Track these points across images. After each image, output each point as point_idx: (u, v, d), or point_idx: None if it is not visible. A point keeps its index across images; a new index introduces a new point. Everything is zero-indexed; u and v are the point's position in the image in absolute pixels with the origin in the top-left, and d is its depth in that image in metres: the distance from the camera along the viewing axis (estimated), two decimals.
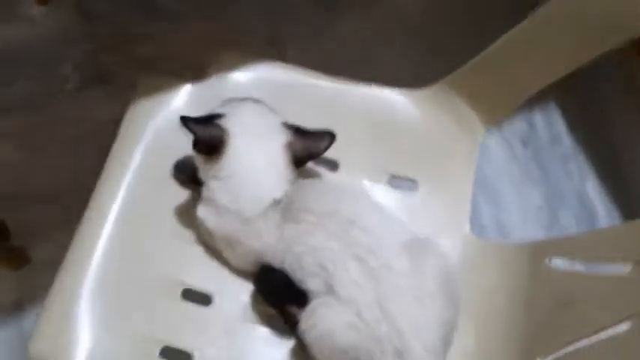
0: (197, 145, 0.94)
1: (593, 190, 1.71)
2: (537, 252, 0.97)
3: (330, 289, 0.90)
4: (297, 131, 0.96)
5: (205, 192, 0.97)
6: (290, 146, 0.95)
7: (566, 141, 1.76)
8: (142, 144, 1.07)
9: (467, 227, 1.06)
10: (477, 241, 1.03)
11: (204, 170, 0.97)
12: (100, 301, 0.97)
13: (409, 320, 0.88)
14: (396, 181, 1.10)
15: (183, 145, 1.07)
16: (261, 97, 1.04)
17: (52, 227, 1.33)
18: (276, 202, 0.95)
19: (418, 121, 1.11)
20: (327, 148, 0.95)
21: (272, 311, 1.00)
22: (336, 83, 1.13)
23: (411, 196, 1.09)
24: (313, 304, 0.91)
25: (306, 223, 0.93)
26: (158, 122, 1.08)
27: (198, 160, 0.97)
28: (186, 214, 1.04)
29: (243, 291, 1.02)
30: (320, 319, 0.90)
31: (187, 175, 1.05)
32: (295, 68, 1.14)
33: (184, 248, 1.03)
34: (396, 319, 0.88)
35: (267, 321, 0.99)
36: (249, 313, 1.01)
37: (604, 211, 1.69)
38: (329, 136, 0.95)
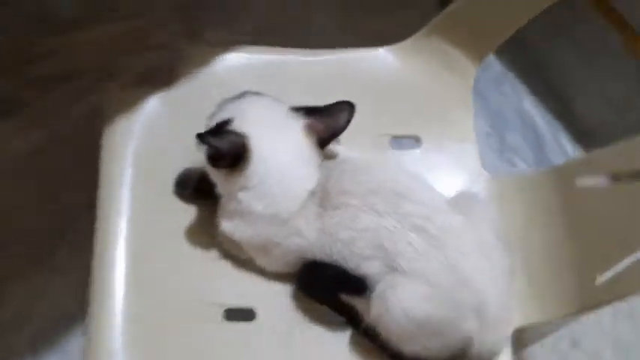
0: (218, 160, 0.86)
1: (531, 106, 1.77)
2: (562, 175, 0.97)
3: (393, 268, 0.86)
4: (312, 112, 0.89)
5: (230, 205, 0.89)
6: (310, 129, 0.89)
7: (496, 65, 1.80)
8: (130, 167, 0.96)
9: (480, 167, 1.05)
10: (498, 178, 1.02)
11: (226, 184, 0.88)
12: (138, 348, 0.87)
13: (481, 276, 0.87)
14: (399, 141, 1.07)
15: (173, 158, 0.98)
16: (246, 86, 0.95)
17: None
18: (312, 193, 0.88)
19: (406, 74, 1.07)
20: (349, 120, 0.89)
21: (320, 308, 0.95)
22: (313, 55, 1.07)
23: (417, 152, 1.06)
24: (380, 288, 0.86)
25: (348, 206, 0.87)
26: (139, 141, 0.98)
27: (216, 175, 0.88)
28: (200, 231, 0.96)
29: (284, 295, 0.95)
30: (392, 300, 0.85)
31: (191, 189, 0.96)
32: (266, 49, 1.06)
33: (210, 267, 0.95)
34: (469, 278, 0.86)
35: (318, 320, 0.95)
36: (298, 317, 0.94)
37: (544, 124, 1.75)
38: (348, 107, 0.89)
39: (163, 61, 1.58)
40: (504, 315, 0.89)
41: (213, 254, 0.95)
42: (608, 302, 0.89)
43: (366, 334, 0.92)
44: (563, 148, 1.72)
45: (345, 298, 0.92)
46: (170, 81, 1.01)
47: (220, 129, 0.86)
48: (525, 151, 1.71)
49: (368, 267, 0.87)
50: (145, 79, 1.56)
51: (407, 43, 1.07)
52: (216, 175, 0.89)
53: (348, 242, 0.88)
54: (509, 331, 0.90)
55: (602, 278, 0.90)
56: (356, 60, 1.07)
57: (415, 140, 1.07)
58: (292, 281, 0.95)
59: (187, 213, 0.96)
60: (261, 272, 0.95)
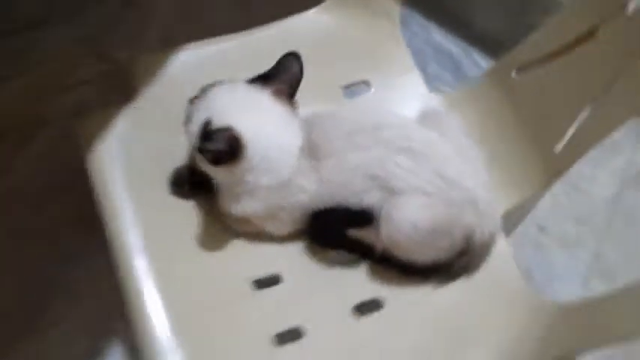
0: (220, 160, 0.91)
1: (440, 37, 1.90)
2: (500, 71, 1.10)
3: (391, 191, 0.96)
4: (268, 77, 0.96)
5: (236, 189, 0.96)
6: (276, 93, 0.96)
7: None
8: (123, 182, 1.00)
9: (428, 91, 1.16)
10: (445, 95, 1.13)
11: (229, 174, 0.94)
12: (187, 339, 0.93)
13: (467, 175, 0.98)
14: (350, 90, 1.16)
15: (158, 163, 1.03)
16: (202, 81, 1.02)
17: None
18: (301, 150, 0.96)
19: (339, 28, 1.16)
20: (301, 67, 0.96)
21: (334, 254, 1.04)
22: (250, 34, 1.14)
23: (370, 94, 1.15)
24: (384, 211, 0.96)
25: (337, 151, 0.96)
26: (122, 156, 1.02)
27: (218, 171, 0.94)
28: (208, 220, 1.01)
29: (301, 253, 1.04)
30: (398, 217, 0.95)
31: (187, 185, 1.01)
32: (207, 42, 1.13)
33: (228, 249, 1.01)
34: (457, 180, 0.97)
35: (335, 264, 1.03)
36: (317, 268, 1.03)
37: (456, 48, 1.89)
38: (293, 57, 0.96)
39: (93, 95, 1.62)
40: (492, 203, 1.01)
41: (226, 237, 1.01)
42: (571, 163, 1.03)
43: (380, 261, 1.02)
44: (478, 64, 1.86)
45: (354, 235, 1.00)
46: (129, 95, 1.05)
47: (209, 133, 0.91)
48: (446, 76, 1.85)
49: (369, 198, 0.97)
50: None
51: (329, 2, 1.15)
52: (217, 171, 0.95)
53: (345, 183, 0.96)
54: (498, 216, 1.02)
55: (560, 146, 1.03)
56: (290, 28, 1.15)
57: (365, 84, 1.17)
58: (304, 238, 1.04)
59: (189, 208, 1.02)
60: (275, 239, 1.03)
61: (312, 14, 1.15)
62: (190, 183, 1.01)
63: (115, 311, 0.99)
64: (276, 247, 1.03)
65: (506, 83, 1.09)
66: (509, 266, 1.06)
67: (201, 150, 0.89)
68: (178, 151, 1.01)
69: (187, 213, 1.01)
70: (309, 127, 0.98)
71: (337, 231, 1.01)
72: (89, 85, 1.66)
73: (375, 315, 1.01)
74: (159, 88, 1.07)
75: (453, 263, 1.02)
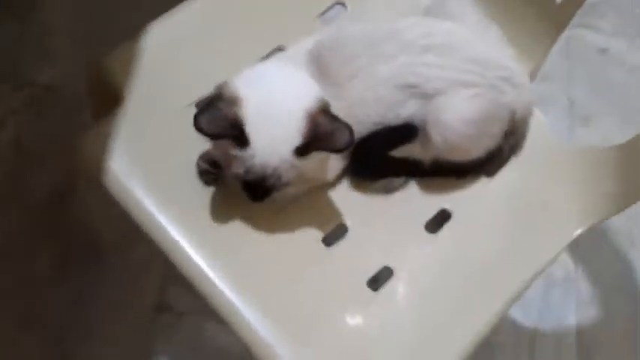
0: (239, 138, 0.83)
1: None
2: None
3: (427, 96, 0.91)
4: None
5: None
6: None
7: None
8: (145, 190, 0.90)
9: None
10: None
11: None
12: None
13: (493, 53, 0.95)
14: (327, 17, 1.09)
15: (174, 160, 0.94)
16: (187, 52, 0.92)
17: None
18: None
19: None
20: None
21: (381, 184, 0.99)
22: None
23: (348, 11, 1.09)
24: (430, 117, 0.91)
25: (359, 69, 0.90)
26: (137, 165, 0.92)
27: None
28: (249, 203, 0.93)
29: (354, 197, 0.99)
30: (447, 120, 0.91)
31: (215, 168, 0.93)
32: (173, 11, 1.03)
33: (282, 221, 0.94)
34: (491, 59, 0.94)
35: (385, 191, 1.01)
36: (372, 203, 0.99)
37: None
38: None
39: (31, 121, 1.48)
40: (523, 73, 0.99)
41: (273, 210, 0.94)
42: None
43: (431, 173, 0.99)
44: None
45: (398, 156, 0.96)
46: (116, 101, 0.94)
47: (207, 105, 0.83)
48: None
49: (407, 109, 0.92)
50: None
51: None
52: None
53: (378, 99, 0.91)
54: (529, 84, 1.01)
55: None
56: None
57: (342, 6, 1.10)
58: (349, 178, 0.99)
59: (222, 195, 0.94)
60: (327, 193, 0.97)
61: None
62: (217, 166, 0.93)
63: None
64: (324, 203, 0.98)
65: None
66: (544, 131, 1.06)
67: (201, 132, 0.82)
68: (187, 139, 0.92)
69: (223, 200, 0.93)
70: (318, 56, 0.91)
71: (381, 155, 0.96)
72: (19, 114, 1.50)
73: (448, 226, 0.99)
74: (144, 78, 0.95)
75: (502, 147, 1.00)
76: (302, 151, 0.83)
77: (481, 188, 1.02)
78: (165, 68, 0.97)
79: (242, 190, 0.87)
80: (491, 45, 0.96)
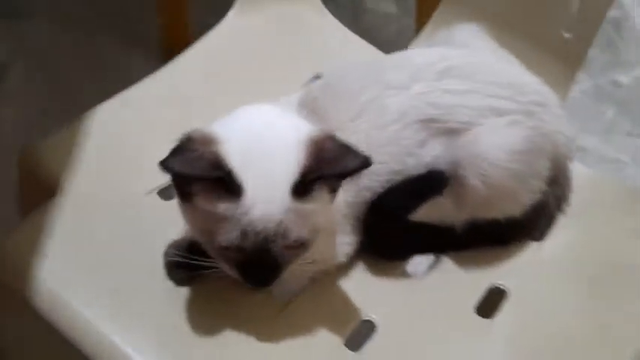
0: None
1: None
2: None
3: (453, 131, 0.72)
4: None
5: None
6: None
7: None
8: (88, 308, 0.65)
9: None
10: None
11: None
12: None
13: (522, 77, 0.78)
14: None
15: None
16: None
17: None
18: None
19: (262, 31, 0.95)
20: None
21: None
22: (171, 67, 0.89)
23: None
24: (462, 158, 0.71)
25: (367, 104, 0.71)
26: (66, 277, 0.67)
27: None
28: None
29: (367, 280, 0.75)
30: (486, 152, 0.71)
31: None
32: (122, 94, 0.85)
33: (292, 319, 0.70)
34: (517, 83, 0.76)
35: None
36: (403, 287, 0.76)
37: None
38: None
39: None
40: (558, 102, 0.81)
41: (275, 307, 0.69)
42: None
43: (467, 239, 0.77)
44: None
45: (423, 219, 0.75)
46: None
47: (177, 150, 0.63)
48: None
49: (430, 151, 0.72)
50: None
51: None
52: None
53: (392, 141, 0.71)
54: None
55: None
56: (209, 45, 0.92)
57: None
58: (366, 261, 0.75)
59: (202, 296, 0.69)
60: (339, 281, 0.74)
61: (227, 24, 0.93)
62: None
63: None
64: (339, 294, 0.74)
65: None
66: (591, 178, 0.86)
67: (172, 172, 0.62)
68: (143, 233, 0.70)
69: (205, 304, 0.69)
70: (311, 100, 0.73)
71: (403, 222, 0.74)
72: None
73: (506, 307, 0.76)
74: (84, 166, 0.75)
75: (547, 201, 0.79)
76: (306, 183, 0.62)
77: (533, 256, 0.80)
78: (109, 155, 0.80)
79: (239, 277, 0.63)
80: (515, 70, 0.79)
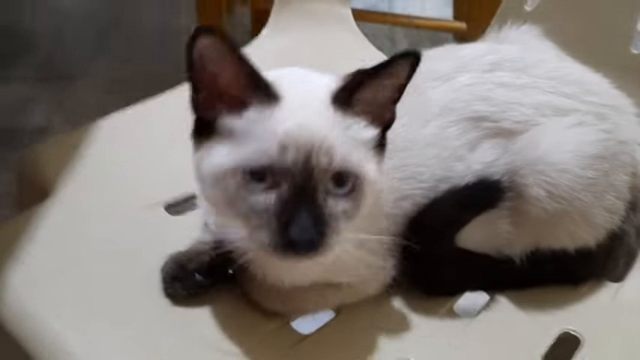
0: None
1: None
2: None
3: (509, 133, 0.61)
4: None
5: None
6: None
7: None
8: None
9: None
10: None
11: None
12: None
13: (591, 75, 0.67)
14: None
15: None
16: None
17: None
18: None
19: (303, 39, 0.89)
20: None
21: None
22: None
23: None
24: (521, 164, 0.60)
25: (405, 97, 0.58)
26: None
27: None
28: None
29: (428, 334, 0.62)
30: (550, 155, 0.59)
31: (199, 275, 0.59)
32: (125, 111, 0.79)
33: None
34: (585, 81, 0.65)
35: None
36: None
37: None
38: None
39: None
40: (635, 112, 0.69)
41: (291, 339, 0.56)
42: None
43: (530, 275, 0.64)
44: None
45: (477, 243, 0.62)
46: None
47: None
48: None
49: (482, 155, 0.61)
50: None
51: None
52: None
53: (436, 141, 0.60)
54: None
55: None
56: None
57: None
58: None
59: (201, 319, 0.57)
60: (371, 314, 0.61)
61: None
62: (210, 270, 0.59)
63: None
64: (371, 330, 0.61)
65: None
66: None
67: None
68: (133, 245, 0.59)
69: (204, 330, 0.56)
70: None
71: (451, 246, 0.61)
72: None
73: (580, 357, 0.61)
74: (78, 175, 0.67)
75: (626, 230, 0.66)
76: (347, 92, 0.52)
77: (611, 299, 0.66)
78: (106, 167, 0.72)
79: (274, 237, 0.50)
80: (578, 69, 0.68)
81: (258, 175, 0.49)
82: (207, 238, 0.60)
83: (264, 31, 0.89)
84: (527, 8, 0.85)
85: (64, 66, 1.53)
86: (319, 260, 0.50)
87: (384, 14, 1.57)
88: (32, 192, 0.66)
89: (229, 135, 0.50)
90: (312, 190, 0.49)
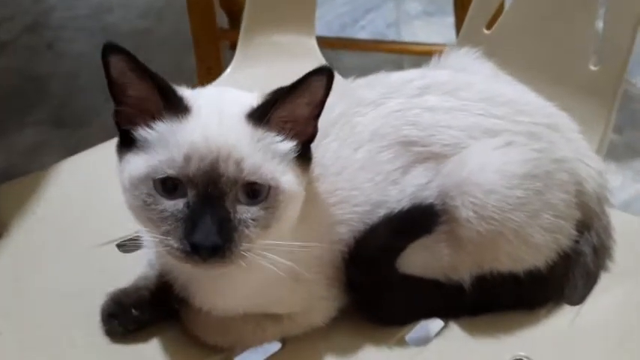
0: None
1: None
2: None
3: (439, 156, 0.61)
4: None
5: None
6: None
7: None
8: None
9: None
10: None
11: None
12: None
13: (526, 97, 0.66)
14: None
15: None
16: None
17: None
18: None
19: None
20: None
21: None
22: None
23: None
24: (450, 186, 0.59)
25: (334, 122, 0.61)
26: None
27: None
28: None
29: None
30: (474, 175, 0.59)
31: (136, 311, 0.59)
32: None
33: None
34: (517, 100, 0.64)
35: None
36: None
37: None
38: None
39: None
40: (576, 129, 0.67)
41: None
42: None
43: (481, 301, 0.63)
44: None
45: (420, 268, 0.62)
46: None
47: None
48: None
49: (413, 179, 0.60)
50: None
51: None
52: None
53: (369, 162, 0.60)
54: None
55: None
56: None
57: None
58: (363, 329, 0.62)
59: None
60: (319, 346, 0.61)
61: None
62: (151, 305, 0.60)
63: None
64: None
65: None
66: None
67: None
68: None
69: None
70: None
71: (392, 272, 0.61)
72: None
73: None
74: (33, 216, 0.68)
75: (581, 250, 0.64)
76: (262, 109, 0.54)
77: (568, 323, 0.65)
78: (60, 209, 0.73)
79: (182, 243, 0.51)
80: (518, 90, 0.67)
81: (168, 184, 0.52)
82: (150, 273, 0.61)
83: (232, 65, 0.90)
84: (486, 31, 0.86)
85: (77, 111, 1.58)
86: (232, 268, 0.52)
87: (377, 42, 1.59)
88: None
89: (144, 146, 0.53)
90: (218, 198, 0.51)
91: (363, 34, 1.72)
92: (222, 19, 1.41)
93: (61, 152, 1.44)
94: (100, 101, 1.55)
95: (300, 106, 0.54)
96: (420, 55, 1.33)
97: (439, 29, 1.69)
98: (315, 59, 0.92)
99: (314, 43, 0.93)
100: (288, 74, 0.88)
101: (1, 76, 1.68)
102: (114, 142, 0.76)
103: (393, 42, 1.62)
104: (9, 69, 1.70)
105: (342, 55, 1.57)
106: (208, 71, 1.32)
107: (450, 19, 1.43)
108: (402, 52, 1.50)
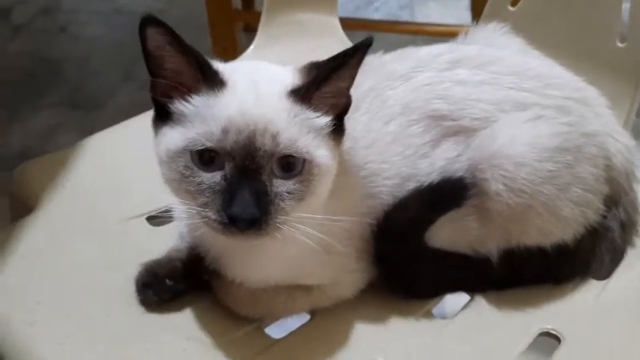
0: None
1: None
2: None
3: (469, 130, 0.61)
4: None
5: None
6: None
7: None
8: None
9: None
10: None
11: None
12: None
13: (554, 69, 0.66)
14: None
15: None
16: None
17: None
18: None
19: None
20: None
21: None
22: None
23: None
24: (479, 160, 0.60)
25: (365, 95, 0.61)
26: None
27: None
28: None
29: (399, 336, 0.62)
30: (504, 149, 0.59)
31: (170, 281, 0.60)
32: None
33: None
34: (546, 75, 0.64)
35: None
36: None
37: None
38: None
39: None
40: (606, 103, 0.67)
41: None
42: None
43: (509, 274, 0.63)
44: None
45: (448, 242, 0.62)
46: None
47: None
48: None
49: (443, 153, 0.61)
50: None
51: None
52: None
53: (399, 135, 0.60)
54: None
55: None
56: None
57: None
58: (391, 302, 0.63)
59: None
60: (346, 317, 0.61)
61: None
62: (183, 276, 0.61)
63: None
64: (345, 332, 0.61)
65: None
66: None
67: None
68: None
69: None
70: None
71: (421, 247, 0.61)
72: None
73: (559, 356, 0.60)
74: (63, 191, 0.70)
75: (609, 226, 0.65)
76: (302, 92, 0.54)
77: (594, 297, 0.65)
78: (92, 182, 0.74)
79: (219, 214, 0.52)
80: (547, 65, 0.67)
81: (205, 156, 0.52)
82: (181, 245, 0.62)
83: (254, 44, 0.90)
84: (511, 8, 0.85)
85: (92, 93, 1.59)
86: (267, 240, 0.52)
87: (392, 23, 1.59)
88: (20, 208, 0.68)
89: (181, 119, 0.53)
90: (255, 171, 0.52)
91: (376, 16, 1.73)
92: (235, 0, 1.43)
93: (77, 134, 1.45)
94: (114, 83, 1.57)
95: (344, 80, 0.54)
96: (434, 36, 1.33)
97: (453, 11, 1.69)
98: (338, 38, 0.92)
99: (336, 21, 0.93)
100: (310, 52, 0.89)
101: (16, 60, 1.70)
102: (137, 119, 0.78)
103: (408, 22, 1.62)
104: (23, 52, 1.71)
105: (356, 36, 1.57)
106: (224, 51, 1.32)
107: (464, 1, 1.42)
108: (416, 33, 1.49)
